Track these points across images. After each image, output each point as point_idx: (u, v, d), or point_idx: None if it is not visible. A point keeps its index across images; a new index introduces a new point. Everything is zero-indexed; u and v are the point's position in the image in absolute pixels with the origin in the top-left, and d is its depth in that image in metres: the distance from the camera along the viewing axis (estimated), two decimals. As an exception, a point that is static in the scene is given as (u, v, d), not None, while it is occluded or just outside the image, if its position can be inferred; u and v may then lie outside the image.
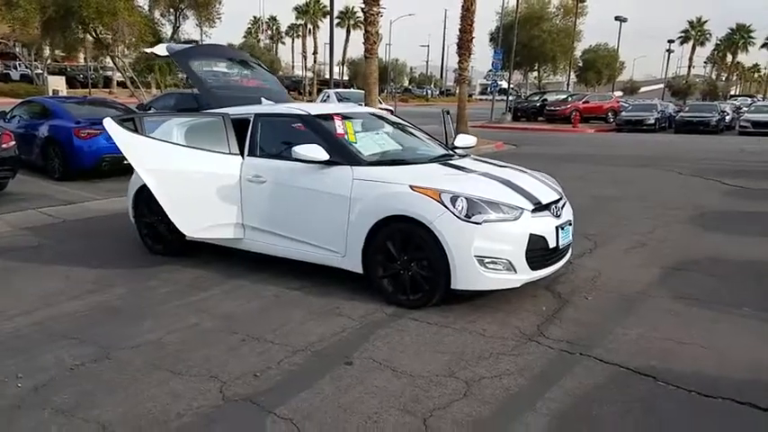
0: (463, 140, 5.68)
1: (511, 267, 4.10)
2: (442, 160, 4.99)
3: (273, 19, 73.45)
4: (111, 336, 3.83)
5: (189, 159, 4.92)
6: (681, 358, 3.54)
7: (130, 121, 4.94)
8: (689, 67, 66.87)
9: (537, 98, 33.10)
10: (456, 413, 2.90)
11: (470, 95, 71.65)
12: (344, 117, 5.11)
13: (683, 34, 66.81)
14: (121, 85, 35.46)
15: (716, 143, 20.50)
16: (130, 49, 20.65)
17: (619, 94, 42.70)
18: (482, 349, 3.63)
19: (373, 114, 5.82)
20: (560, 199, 4.67)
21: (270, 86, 6.56)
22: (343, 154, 4.65)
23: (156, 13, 25.85)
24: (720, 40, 68.17)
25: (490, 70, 29.25)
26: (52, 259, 5.56)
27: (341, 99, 17.09)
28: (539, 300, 4.48)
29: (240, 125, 5.20)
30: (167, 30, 26.93)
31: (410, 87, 65.82)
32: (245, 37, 68.26)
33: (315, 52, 65.84)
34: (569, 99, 31.46)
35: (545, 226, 4.30)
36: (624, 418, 2.89)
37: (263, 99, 6.05)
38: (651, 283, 4.95)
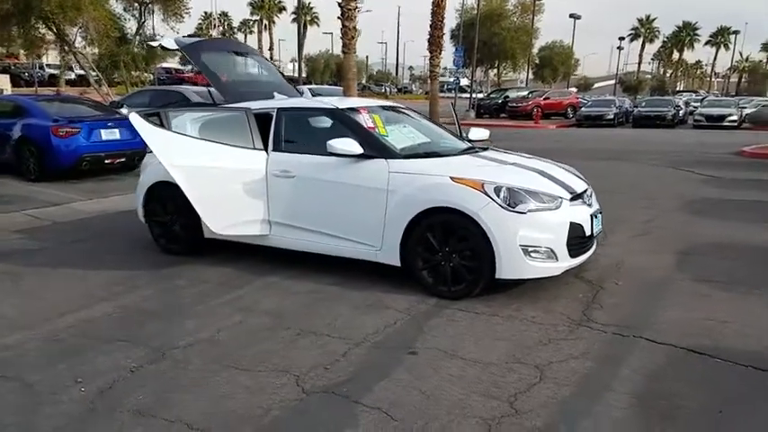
0: (477, 134, 5.75)
1: (553, 255, 4.19)
2: (472, 152, 5.04)
3: (225, 14, 72.10)
4: (158, 336, 3.72)
5: (216, 155, 4.82)
6: (725, 336, 3.70)
7: (156, 116, 4.80)
8: (639, 63, 69.31)
9: (498, 95, 33.64)
10: (538, 396, 2.96)
11: (427, 93, 72.20)
12: (369, 110, 5.11)
13: (633, 32, 69.19)
14: (71, 83, 34.13)
15: (676, 136, 21.32)
16: (93, 45, 19.84)
17: (573, 90, 43.82)
18: (539, 336, 3.70)
19: (393, 108, 5.82)
20: (588, 188, 4.79)
21: (279, 81, 6.47)
22: (377, 147, 4.64)
23: (119, 8, 25.01)
24: (667, 38, 70.93)
25: (447, 67, 29.61)
26: (60, 262, 5.35)
27: (315, 95, 16.89)
28: (573, 287, 4.59)
29: (262, 120, 5.11)
30: (131, 25, 26.15)
31: (368, 85, 65.78)
32: (196, 33, 66.75)
33: (270, 48, 65.02)
34: (530, 96, 32.11)
35: (581, 214, 4.41)
36: (696, 394, 3.00)
37: (275, 94, 5.97)
38: (670, 267, 5.13)
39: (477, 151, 5.07)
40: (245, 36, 72.76)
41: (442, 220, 4.28)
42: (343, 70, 14.84)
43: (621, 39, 60.74)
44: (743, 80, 69.42)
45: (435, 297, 4.34)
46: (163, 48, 6.19)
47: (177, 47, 5.88)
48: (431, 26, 19.23)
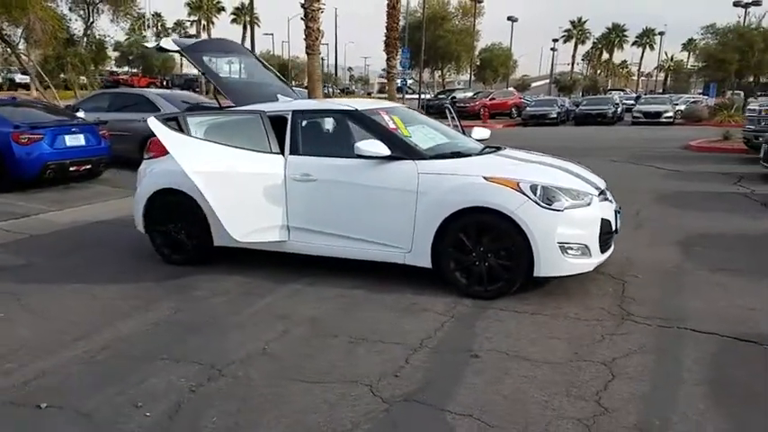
0: (479, 133, 5.81)
1: (587, 251, 4.26)
2: (492, 152, 5.06)
3: (158, 15, 69.69)
4: (204, 352, 3.54)
5: (235, 160, 4.64)
6: (759, 323, 3.86)
7: (174, 120, 4.56)
8: (572, 64, 72.01)
9: (445, 96, 34.13)
10: (620, 392, 2.98)
11: (369, 93, 72.40)
12: (388, 111, 5.05)
13: (565, 33, 71.80)
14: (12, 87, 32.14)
15: (620, 133, 22.26)
16: (37, 47, 18.60)
17: (513, 90, 45.07)
18: (590, 332, 3.74)
19: (405, 110, 5.77)
20: (606, 185, 4.91)
21: (278, 83, 6.29)
22: (403, 148, 4.59)
23: (65, 8, 23.58)
24: (597, 39, 74.02)
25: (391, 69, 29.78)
26: (58, 278, 5.01)
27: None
28: (598, 282, 4.67)
29: (276, 123, 4.96)
30: (78, 26, 24.71)
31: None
32: (127, 35, 64.25)
33: (209, 51, 63.25)
34: (476, 96, 32.77)
35: (608, 210, 4.51)
36: (758, 380, 3.12)
37: (279, 96, 5.81)
38: (678, 259, 5.31)
39: (495, 151, 5.09)
40: (180, 37, 70.55)
41: (476, 221, 4.28)
42: (308, 72, 14.64)
43: (555, 40, 63.03)
44: (668, 78, 73.29)
45: (469, 298, 4.33)
46: (160, 49, 5.90)
47: (177, 48, 5.61)
48: (387, 28, 19.30)
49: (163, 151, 5.30)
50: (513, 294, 4.33)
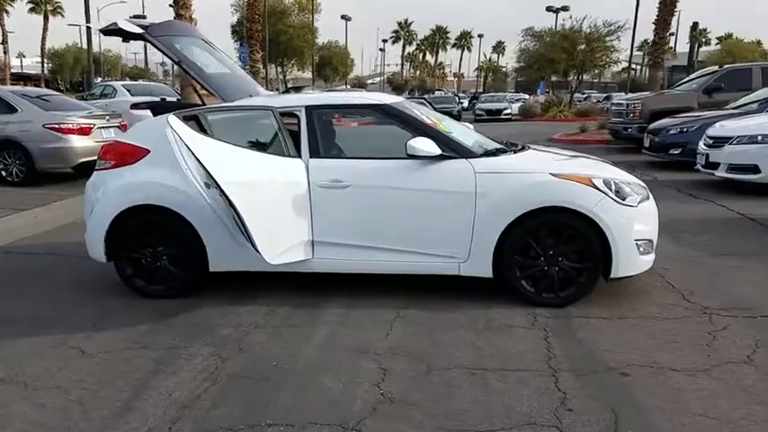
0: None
1: (650, 247, 4.13)
2: (521, 149, 4.69)
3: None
4: (314, 410, 2.76)
5: (258, 166, 3.77)
6: (806, 303, 4.04)
7: (194, 119, 3.54)
8: (402, 64, 74.99)
9: (293, 93, 33.35)
10: (798, 393, 2.85)
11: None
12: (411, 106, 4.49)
13: (394, 34, 74.52)
14: None
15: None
16: None
17: (348, 87, 45.62)
18: (690, 332, 3.58)
19: (421, 104, 5.20)
20: None
21: (246, 75, 5.32)
22: (452, 146, 4.07)
23: None
24: (420, 42, 77.94)
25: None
26: (24, 329, 3.74)
27: (135, 94, 14.56)
28: (638, 277, 4.58)
29: (285, 120, 4.16)
30: None
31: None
32: None
33: (3, 42, 54.80)
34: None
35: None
36: None
37: (258, 90, 4.91)
38: (680, 247, 5.38)
39: (525, 147, 4.73)
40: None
41: (547, 222, 3.93)
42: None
43: (385, 41, 65.15)
44: (487, 79, 79.71)
45: (540, 307, 3.98)
46: (113, 33, 4.54)
47: (140, 31, 4.39)
48: (247, 20, 18.09)
49: (125, 159, 4.22)
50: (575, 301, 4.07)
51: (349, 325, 3.76)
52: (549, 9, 40.98)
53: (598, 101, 34.09)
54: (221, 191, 3.40)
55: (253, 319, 3.87)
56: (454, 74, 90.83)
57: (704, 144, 8.70)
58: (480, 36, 72.41)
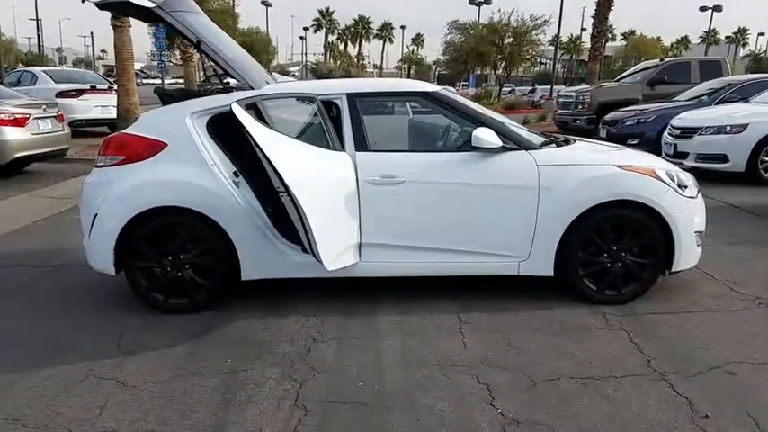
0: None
1: (701, 239, 4.08)
2: (575, 140, 4.48)
3: None
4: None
5: (316, 162, 3.37)
6: None
7: (252, 107, 3.04)
8: (325, 54, 73.80)
9: (218, 82, 31.87)
10: None
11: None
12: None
13: (316, 22, 73.23)
14: None
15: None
16: None
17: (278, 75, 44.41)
18: (760, 323, 3.56)
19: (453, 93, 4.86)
20: None
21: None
22: (512, 137, 3.82)
23: None
24: (342, 31, 77.16)
25: (150, 51, 26.92)
26: (28, 361, 3.08)
27: (58, 81, 13.19)
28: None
29: (325, 109, 3.74)
30: None
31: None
32: None
33: None
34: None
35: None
36: None
37: (276, 76, 4.43)
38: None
39: (568, 140, 4.51)
40: None
41: (611, 216, 3.76)
42: (117, 48, 11.91)
43: (306, 29, 64.00)
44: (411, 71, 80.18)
45: (603, 305, 3.82)
46: (111, 7, 3.85)
47: (152, 5, 3.77)
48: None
49: (138, 154, 3.66)
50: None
51: (414, 334, 3.42)
52: (471, 2, 41.60)
53: (524, 94, 34.95)
54: (288, 192, 2.95)
55: (305, 331, 3.45)
56: (374, 65, 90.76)
57: (669, 134, 8.98)
58: (403, 27, 72.82)
